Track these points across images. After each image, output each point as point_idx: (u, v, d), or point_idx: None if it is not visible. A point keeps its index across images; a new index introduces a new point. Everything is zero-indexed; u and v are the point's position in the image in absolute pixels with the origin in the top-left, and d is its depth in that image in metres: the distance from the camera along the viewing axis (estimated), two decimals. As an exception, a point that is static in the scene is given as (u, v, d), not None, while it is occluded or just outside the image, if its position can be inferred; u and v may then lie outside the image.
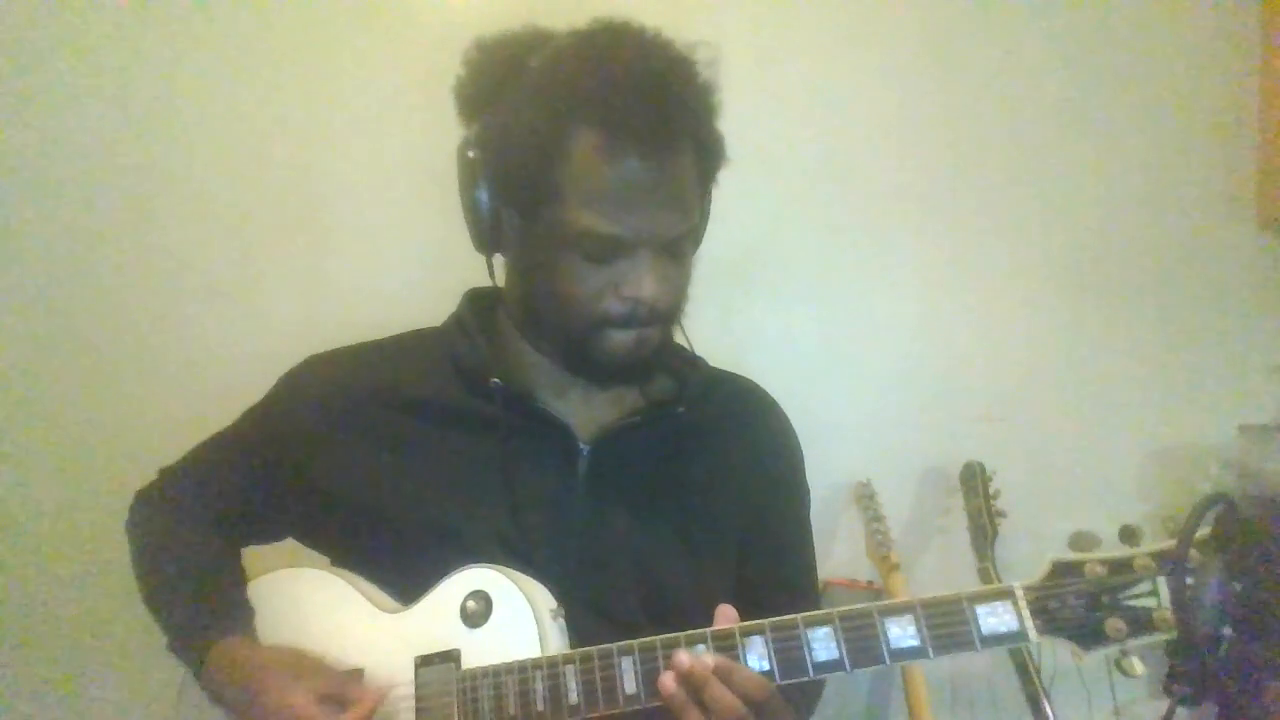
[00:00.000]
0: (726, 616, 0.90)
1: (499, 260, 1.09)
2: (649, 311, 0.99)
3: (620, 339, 1.00)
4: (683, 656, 0.85)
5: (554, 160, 0.95)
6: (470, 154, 1.02)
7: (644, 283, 0.97)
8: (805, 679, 0.85)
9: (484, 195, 1.01)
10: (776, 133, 1.77)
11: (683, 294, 1.05)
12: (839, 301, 1.85)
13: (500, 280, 1.10)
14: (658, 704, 0.87)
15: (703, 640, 0.87)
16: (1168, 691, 0.89)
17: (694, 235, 1.04)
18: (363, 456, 1.07)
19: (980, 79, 1.83)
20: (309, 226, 1.80)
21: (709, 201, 1.08)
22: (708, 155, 1.02)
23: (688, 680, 0.84)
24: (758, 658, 0.86)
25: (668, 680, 0.85)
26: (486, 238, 1.04)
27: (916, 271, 1.84)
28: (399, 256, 1.80)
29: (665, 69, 0.96)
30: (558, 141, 0.95)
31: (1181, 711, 0.86)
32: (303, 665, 0.99)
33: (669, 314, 1.03)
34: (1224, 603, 0.79)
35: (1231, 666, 0.82)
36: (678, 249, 1.01)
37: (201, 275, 1.79)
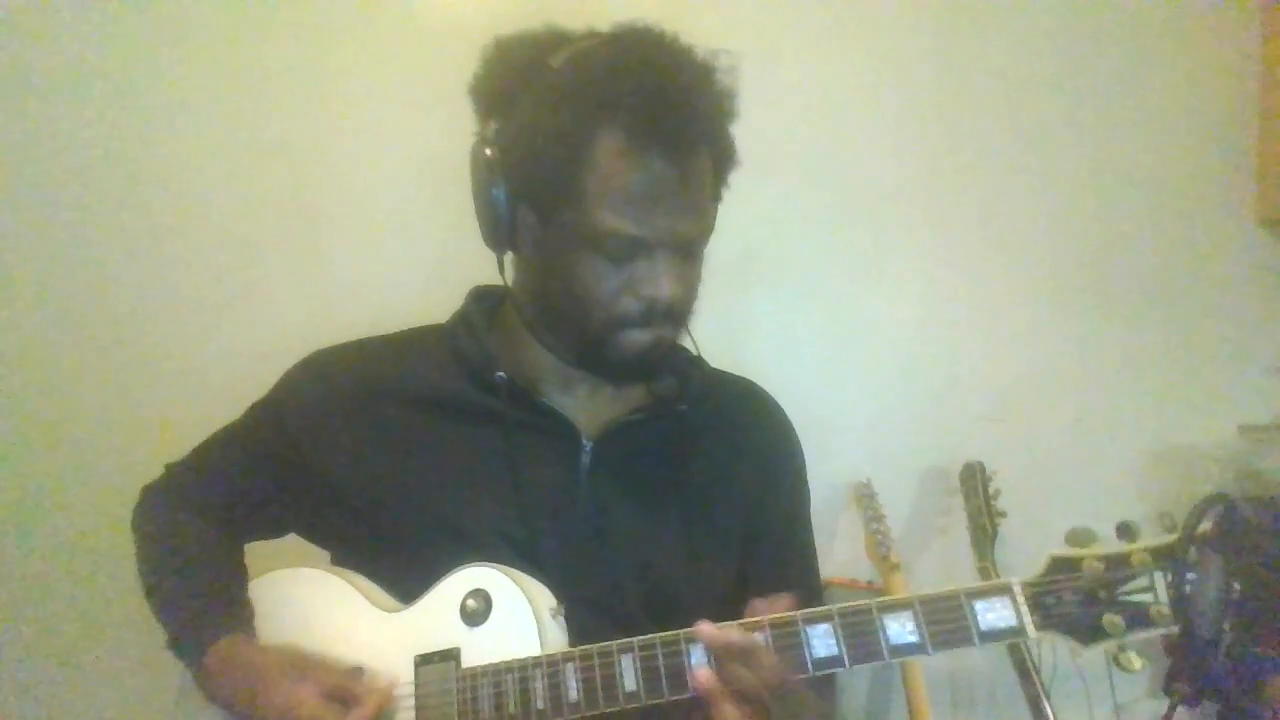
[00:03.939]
0: (756, 610, 0.90)
1: (508, 258, 1.08)
2: (665, 311, 0.99)
3: (636, 338, 1.00)
4: (705, 625, 0.86)
5: (577, 161, 0.95)
6: (487, 152, 1.01)
7: (662, 283, 0.98)
8: (804, 676, 0.85)
9: (500, 193, 1.00)
10: (776, 133, 1.77)
11: (696, 295, 1.05)
12: (839, 301, 1.86)
13: (509, 278, 1.09)
14: (657, 701, 0.87)
15: (702, 638, 0.87)
16: (1168, 691, 0.89)
17: (707, 237, 1.05)
18: (366, 451, 1.07)
19: (979, 79, 1.83)
20: (312, 223, 1.80)
21: (718, 204, 1.08)
22: (723, 160, 1.03)
23: (708, 649, 0.85)
24: (757, 654, 0.86)
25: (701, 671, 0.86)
26: (501, 236, 1.03)
27: (916, 271, 1.84)
28: (402, 253, 1.80)
29: (689, 74, 0.96)
30: (581, 143, 0.94)
31: (1181, 711, 0.86)
32: (305, 663, 1.00)
33: (684, 314, 1.04)
34: (1223, 601, 0.79)
35: (1231, 666, 0.82)
36: (693, 250, 1.02)
37: (205, 271, 1.80)
